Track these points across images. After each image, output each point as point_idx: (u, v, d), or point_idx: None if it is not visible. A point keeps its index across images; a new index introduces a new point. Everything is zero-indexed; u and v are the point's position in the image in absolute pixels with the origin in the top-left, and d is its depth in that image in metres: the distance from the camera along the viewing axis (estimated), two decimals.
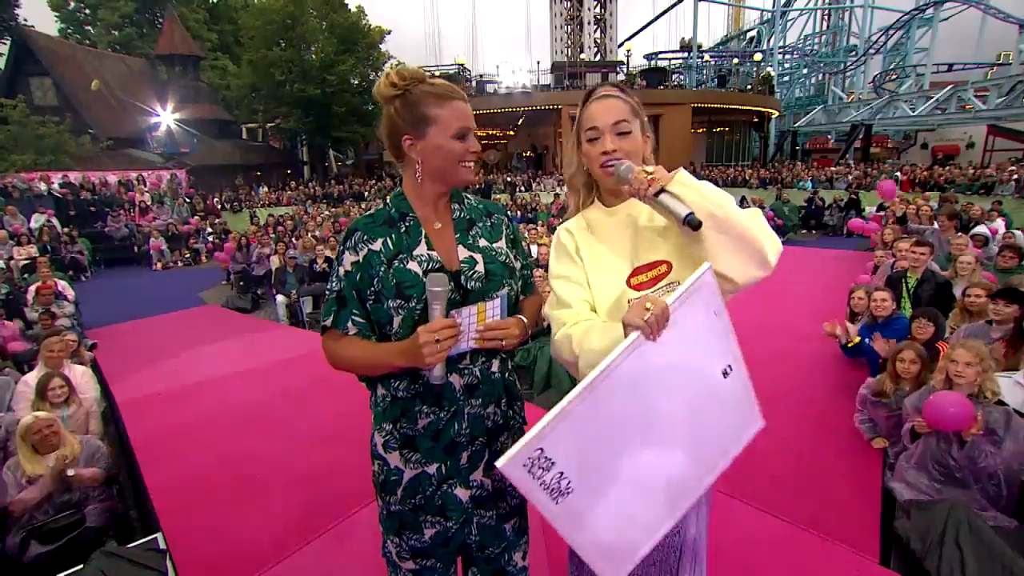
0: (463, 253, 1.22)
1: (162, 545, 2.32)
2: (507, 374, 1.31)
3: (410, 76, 1.16)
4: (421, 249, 1.19)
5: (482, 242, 1.26)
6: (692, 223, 1.01)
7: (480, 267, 1.21)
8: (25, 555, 2.38)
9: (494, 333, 1.15)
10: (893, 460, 2.82)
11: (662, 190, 1.05)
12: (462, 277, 1.19)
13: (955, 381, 2.48)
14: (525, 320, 1.25)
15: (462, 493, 1.25)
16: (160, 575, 2.12)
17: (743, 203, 13.10)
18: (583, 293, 1.24)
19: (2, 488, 2.54)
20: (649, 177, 1.06)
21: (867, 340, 3.79)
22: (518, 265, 1.32)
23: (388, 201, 1.26)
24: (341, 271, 1.20)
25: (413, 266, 1.16)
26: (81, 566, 2.07)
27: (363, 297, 1.19)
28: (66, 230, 11.04)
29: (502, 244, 1.29)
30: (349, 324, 1.19)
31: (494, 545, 1.33)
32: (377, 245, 1.18)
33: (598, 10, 40.92)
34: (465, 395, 1.21)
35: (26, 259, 9.02)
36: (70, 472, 2.59)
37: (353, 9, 23.84)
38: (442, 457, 1.22)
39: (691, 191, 1.05)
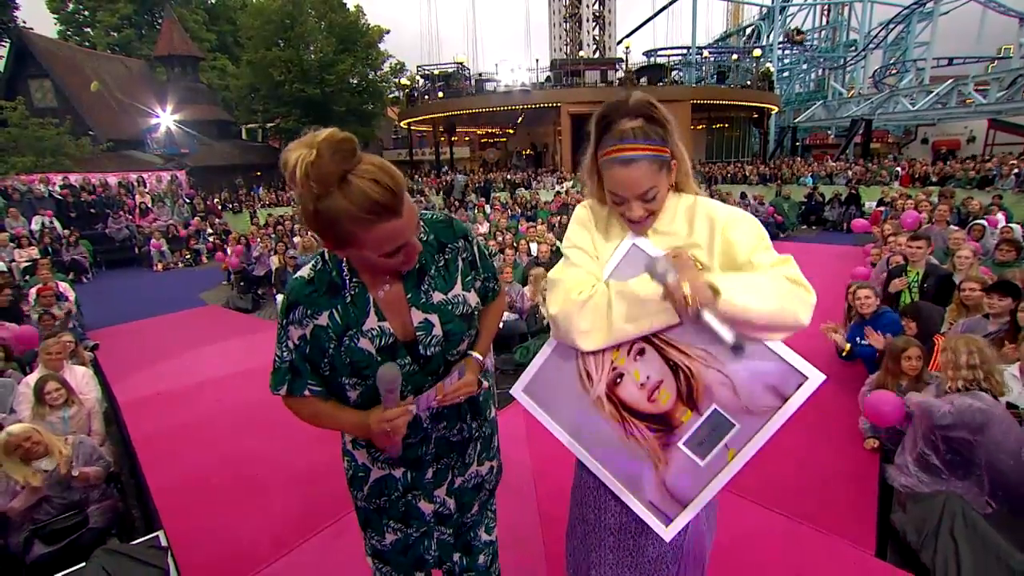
0: (417, 317, 1.12)
1: (164, 543, 2.34)
2: None
3: (320, 182, 0.87)
4: (371, 322, 1.09)
5: (436, 297, 1.15)
6: (737, 350, 1.01)
7: (437, 330, 1.13)
8: (28, 555, 2.39)
9: (454, 395, 1.15)
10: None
11: (700, 312, 1.01)
12: (419, 347, 1.12)
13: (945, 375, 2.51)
14: (480, 357, 1.24)
15: (425, 507, 1.27)
16: (162, 572, 2.13)
17: (743, 199, 13.10)
18: (593, 265, 1.21)
19: None
20: (686, 297, 1.00)
21: (859, 340, 3.79)
22: (478, 286, 1.25)
23: (327, 260, 1.10)
24: (289, 344, 1.10)
25: (365, 344, 1.08)
26: (83, 564, 2.09)
27: (317, 367, 1.12)
28: (67, 232, 11.06)
29: (458, 290, 1.19)
30: (306, 392, 1.13)
31: (450, 559, 1.37)
32: (323, 320, 1.07)
33: (597, 7, 40.88)
34: (432, 423, 1.21)
35: (27, 261, 9.04)
36: (75, 472, 2.59)
37: (352, 8, 23.82)
38: (408, 467, 1.24)
39: (736, 313, 1.00)
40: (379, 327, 1.09)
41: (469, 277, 1.22)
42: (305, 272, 1.11)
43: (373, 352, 1.08)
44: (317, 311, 1.07)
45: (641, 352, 1.16)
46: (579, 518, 1.36)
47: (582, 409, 1.24)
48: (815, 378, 1.06)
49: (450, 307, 1.17)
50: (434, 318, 1.13)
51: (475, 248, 1.25)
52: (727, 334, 1.00)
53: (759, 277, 1.05)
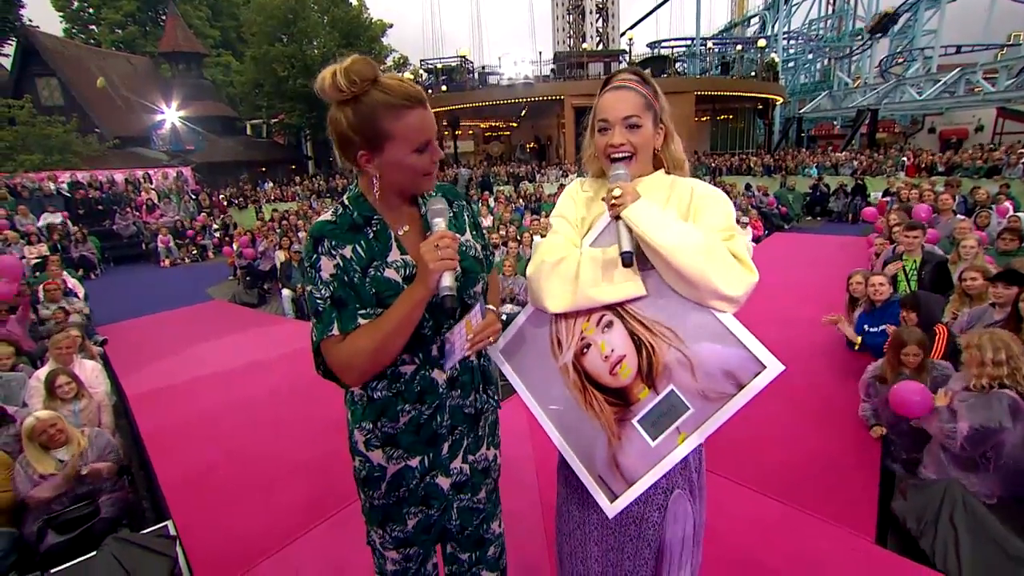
0: None
1: (172, 532, 2.39)
2: (482, 359, 1.34)
3: (361, 77, 1.01)
4: (395, 255, 1.15)
5: None
6: (623, 261, 1.10)
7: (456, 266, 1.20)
8: (42, 544, 2.45)
9: (483, 335, 1.18)
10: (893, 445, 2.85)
11: (619, 216, 1.12)
12: None
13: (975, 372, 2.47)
14: (495, 309, 1.30)
15: (443, 482, 1.28)
16: (170, 560, 2.18)
17: (747, 190, 13.02)
18: (574, 233, 1.30)
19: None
20: (613, 200, 1.12)
21: (867, 328, 3.79)
22: (479, 248, 1.33)
23: (347, 203, 1.17)
24: (325, 276, 1.09)
25: (391, 274, 1.13)
26: (95, 552, 2.14)
27: (360, 294, 1.12)
28: (75, 228, 11.15)
29: (468, 236, 1.30)
30: (359, 321, 1.10)
31: (472, 525, 1.38)
32: (347, 252, 1.11)
33: None
34: (447, 388, 1.23)
35: (37, 258, 9.13)
36: (84, 471, 2.66)
37: (354, 3, 23.76)
38: (424, 449, 1.24)
39: (638, 226, 1.09)
40: (402, 259, 1.15)
41: (475, 233, 1.33)
42: (326, 216, 1.16)
43: (400, 281, 1.13)
44: (341, 244, 1.11)
45: (609, 324, 1.20)
46: (565, 498, 1.39)
47: (549, 376, 1.28)
48: (773, 368, 1.05)
49: (464, 248, 1.24)
50: None
51: (475, 215, 1.37)
52: (624, 243, 1.10)
53: (685, 226, 1.10)
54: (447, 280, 1.05)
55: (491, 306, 1.31)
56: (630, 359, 1.18)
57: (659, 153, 1.29)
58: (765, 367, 1.06)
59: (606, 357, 1.20)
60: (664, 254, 1.06)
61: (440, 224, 1.11)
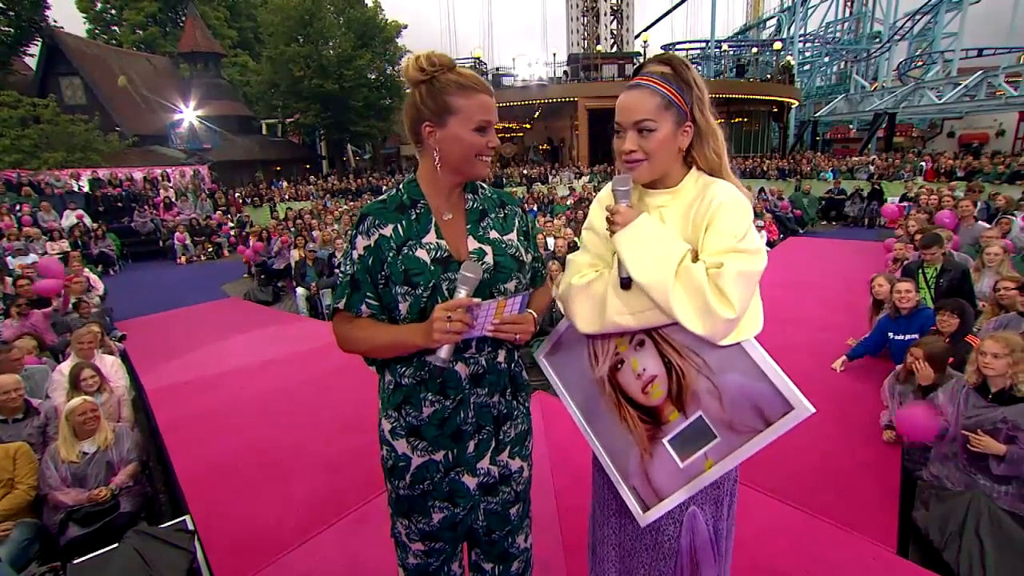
0: (472, 244, 1.22)
1: (190, 527, 2.41)
2: (512, 364, 1.32)
3: (440, 63, 1.14)
4: (430, 237, 1.19)
5: (492, 234, 1.26)
6: (621, 284, 1.13)
7: (489, 258, 1.22)
8: (63, 536, 2.49)
9: (510, 327, 1.15)
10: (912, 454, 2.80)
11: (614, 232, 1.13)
12: None
13: (985, 373, 2.40)
14: (535, 315, 1.26)
15: (469, 481, 1.27)
16: (189, 554, 2.20)
17: (761, 193, 12.90)
18: (604, 247, 1.26)
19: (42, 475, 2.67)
20: (611, 218, 1.14)
21: (891, 334, 3.73)
22: (529, 258, 1.32)
23: (401, 187, 1.25)
24: (355, 255, 1.20)
25: (421, 254, 1.17)
26: (116, 544, 2.17)
27: (375, 281, 1.20)
28: (95, 225, 11.34)
29: (513, 237, 1.29)
30: (363, 307, 1.20)
31: (500, 529, 1.36)
32: (388, 231, 1.19)
33: (614, 0, 40.43)
34: (470, 384, 1.23)
35: (59, 254, 9.30)
36: (115, 490, 2.70)
37: (369, 4, 23.93)
38: (448, 445, 1.24)
39: (622, 256, 1.11)
40: (436, 243, 1.19)
41: (521, 239, 1.32)
42: (381, 197, 1.26)
43: (428, 261, 1.17)
44: (384, 222, 1.20)
45: (641, 343, 1.19)
46: (593, 503, 1.42)
47: (588, 385, 1.30)
48: (801, 411, 1.02)
49: (503, 245, 1.26)
50: (488, 248, 1.23)
51: (529, 224, 1.37)
52: (621, 267, 1.12)
53: (666, 257, 1.07)
54: (444, 352, 1.10)
55: (532, 311, 1.28)
56: (661, 380, 1.17)
57: (693, 152, 1.18)
58: (792, 408, 1.03)
59: (638, 376, 1.20)
60: (642, 289, 1.08)
61: (463, 294, 1.11)
